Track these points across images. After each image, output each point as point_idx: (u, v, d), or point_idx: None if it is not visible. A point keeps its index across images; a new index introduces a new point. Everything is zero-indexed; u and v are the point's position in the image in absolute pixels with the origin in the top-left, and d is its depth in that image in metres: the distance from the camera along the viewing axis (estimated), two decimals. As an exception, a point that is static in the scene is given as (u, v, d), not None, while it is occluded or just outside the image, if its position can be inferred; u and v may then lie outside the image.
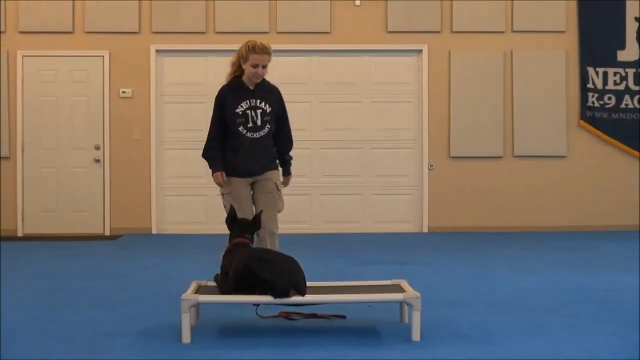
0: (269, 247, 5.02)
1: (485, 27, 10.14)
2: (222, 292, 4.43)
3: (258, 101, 5.20)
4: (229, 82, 5.28)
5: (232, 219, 4.81)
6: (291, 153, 5.46)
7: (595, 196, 10.19)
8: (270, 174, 5.29)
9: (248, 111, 5.18)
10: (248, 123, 5.18)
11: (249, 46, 5.12)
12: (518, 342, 4.14)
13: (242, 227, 4.78)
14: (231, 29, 9.95)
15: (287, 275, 4.23)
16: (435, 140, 10.13)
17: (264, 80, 5.27)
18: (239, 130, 5.19)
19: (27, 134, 9.97)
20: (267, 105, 5.22)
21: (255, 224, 4.81)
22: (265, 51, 5.11)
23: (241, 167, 5.22)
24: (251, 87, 5.21)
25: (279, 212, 5.28)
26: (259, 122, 5.20)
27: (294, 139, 5.47)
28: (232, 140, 5.22)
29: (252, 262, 4.27)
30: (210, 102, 5.47)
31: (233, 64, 5.27)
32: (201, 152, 5.36)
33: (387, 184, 10.19)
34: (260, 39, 5.23)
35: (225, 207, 5.16)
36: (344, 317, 4.67)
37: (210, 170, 5.32)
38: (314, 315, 4.66)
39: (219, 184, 5.27)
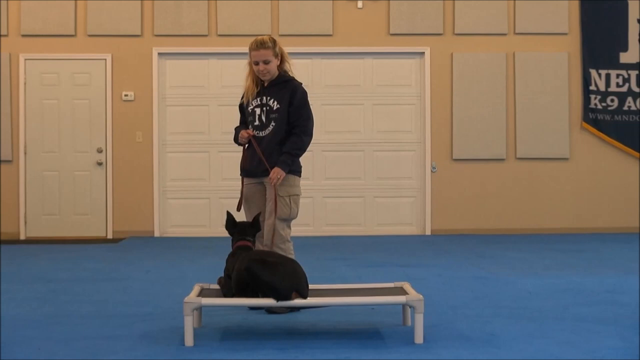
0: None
1: (487, 29, 10.14)
2: (225, 295, 4.43)
3: (267, 98, 5.04)
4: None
5: (231, 224, 4.80)
6: (298, 152, 5.00)
7: (598, 198, 10.19)
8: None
9: (257, 109, 5.05)
10: (255, 121, 5.06)
11: (250, 44, 5.02)
12: (521, 344, 4.13)
13: (242, 230, 4.77)
14: (233, 31, 9.97)
15: (289, 277, 4.22)
16: (438, 142, 10.13)
17: (282, 75, 5.08)
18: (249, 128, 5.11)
19: (29, 137, 9.97)
20: (275, 102, 5.02)
21: (254, 225, 4.80)
22: (261, 46, 4.93)
23: (247, 167, 5.11)
24: (265, 85, 5.08)
25: (283, 220, 5.00)
26: (264, 120, 5.03)
27: None
28: None
29: (254, 265, 4.26)
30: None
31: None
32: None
33: (390, 186, 10.19)
34: (264, 35, 5.14)
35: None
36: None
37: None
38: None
39: (246, 137, 5.02)
